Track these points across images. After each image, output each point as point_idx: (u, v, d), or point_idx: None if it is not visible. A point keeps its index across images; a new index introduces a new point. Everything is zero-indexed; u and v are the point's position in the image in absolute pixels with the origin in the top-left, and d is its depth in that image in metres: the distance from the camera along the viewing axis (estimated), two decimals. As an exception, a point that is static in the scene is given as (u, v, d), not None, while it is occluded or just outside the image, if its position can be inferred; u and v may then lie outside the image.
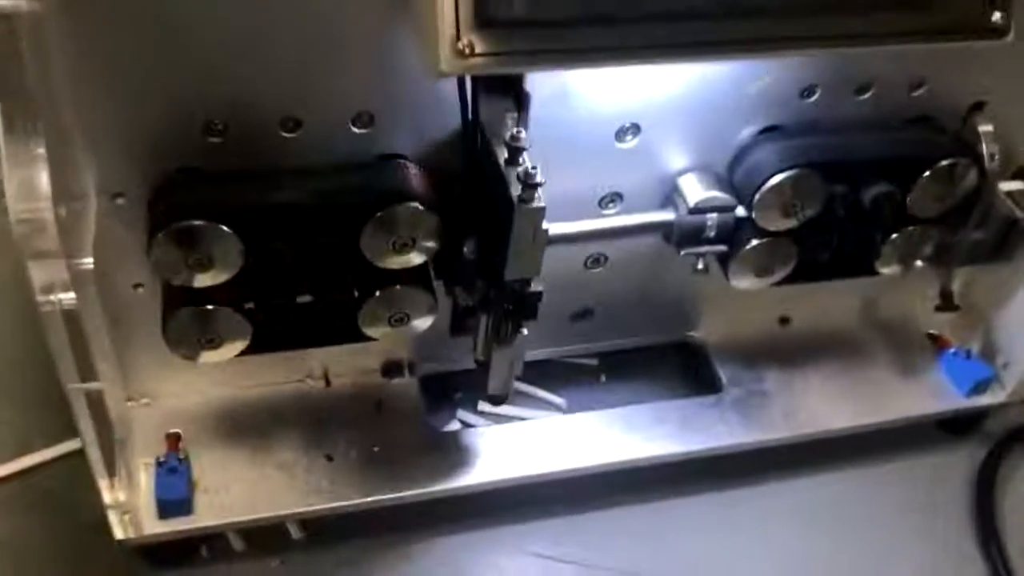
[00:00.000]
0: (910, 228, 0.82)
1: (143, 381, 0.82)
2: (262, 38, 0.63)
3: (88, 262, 0.64)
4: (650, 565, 0.87)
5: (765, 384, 0.94)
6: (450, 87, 0.63)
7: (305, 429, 0.84)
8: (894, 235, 0.82)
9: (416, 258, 0.70)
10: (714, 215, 0.79)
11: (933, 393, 0.96)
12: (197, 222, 0.64)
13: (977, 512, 0.93)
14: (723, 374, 0.94)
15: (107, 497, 0.74)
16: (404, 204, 0.67)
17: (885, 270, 0.85)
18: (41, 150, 0.58)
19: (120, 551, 0.77)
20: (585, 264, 0.85)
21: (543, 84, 0.68)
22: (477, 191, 0.67)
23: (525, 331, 0.72)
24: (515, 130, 0.61)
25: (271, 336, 0.73)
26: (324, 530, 0.84)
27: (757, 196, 0.77)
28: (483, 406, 0.91)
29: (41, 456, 0.88)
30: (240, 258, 0.66)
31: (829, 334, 0.99)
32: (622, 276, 0.87)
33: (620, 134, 0.75)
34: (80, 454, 0.71)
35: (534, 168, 0.60)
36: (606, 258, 0.85)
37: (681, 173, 0.79)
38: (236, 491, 0.80)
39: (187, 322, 0.69)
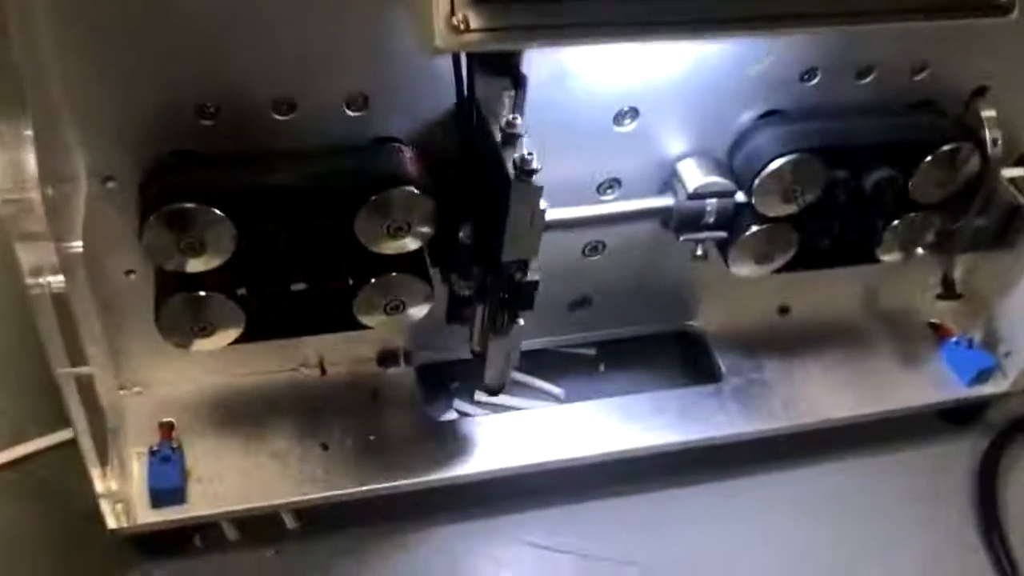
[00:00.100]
0: (912, 214, 0.82)
1: (136, 369, 0.82)
2: (255, 19, 0.62)
3: (78, 245, 0.63)
4: (648, 556, 0.86)
5: (765, 373, 0.93)
6: (446, 69, 0.63)
7: (300, 418, 0.83)
8: (895, 221, 0.82)
9: (411, 243, 0.69)
10: (713, 201, 0.78)
11: (934, 383, 0.95)
12: (189, 205, 0.63)
13: (979, 502, 0.93)
14: (723, 363, 0.94)
15: (99, 486, 0.73)
16: (399, 188, 0.66)
17: (886, 257, 0.84)
18: (29, 131, 0.57)
19: (113, 541, 0.77)
20: (583, 252, 0.85)
21: (540, 65, 0.67)
22: (473, 172, 0.66)
23: (521, 322, 0.72)
24: (511, 116, 0.60)
25: (265, 324, 0.72)
26: (319, 519, 0.84)
27: (757, 181, 0.76)
28: (480, 395, 0.91)
29: (35, 445, 0.87)
30: (233, 242, 0.65)
31: (829, 323, 0.98)
32: (620, 264, 0.86)
33: (618, 118, 0.74)
34: (74, 443, 0.70)
35: (530, 154, 0.59)
36: (604, 245, 0.84)
37: (680, 158, 0.79)
38: (230, 480, 0.79)
39: (180, 309, 0.68)
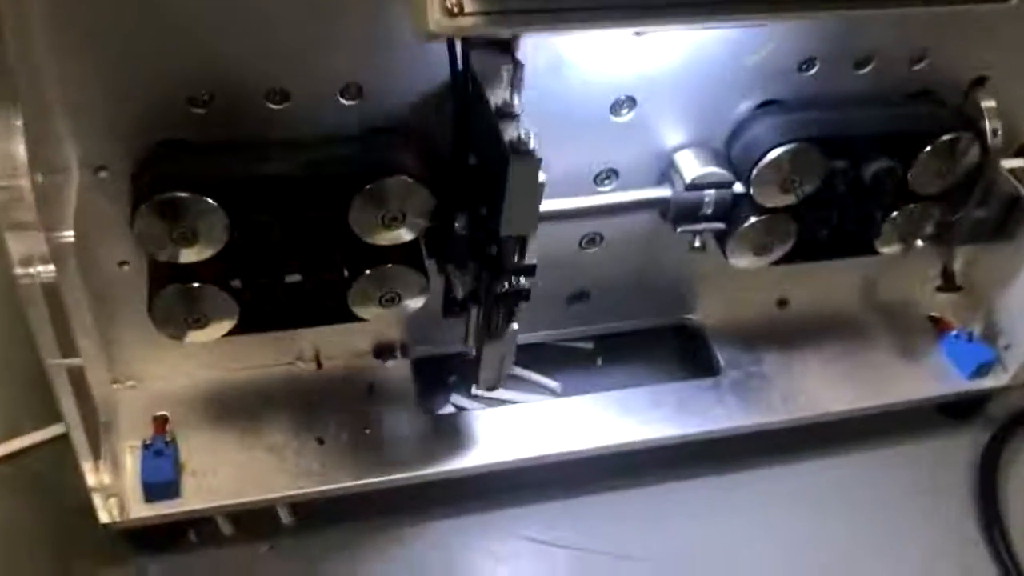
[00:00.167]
0: (911, 205, 0.81)
1: (129, 363, 0.81)
2: (247, 6, 0.61)
3: (69, 235, 0.63)
4: (646, 550, 0.85)
5: (764, 367, 0.93)
6: (441, 56, 0.62)
7: (295, 411, 0.83)
8: (895, 213, 0.81)
9: (406, 234, 0.68)
10: (711, 191, 0.77)
11: (934, 376, 0.94)
12: (181, 194, 0.63)
13: (980, 496, 0.92)
14: (721, 357, 0.93)
15: (91, 480, 0.72)
16: (394, 177, 0.66)
17: (885, 249, 0.84)
18: (18, 121, 0.57)
19: (106, 535, 0.76)
20: (580, 244, 0.84)
21: (537, 53, 0.66)
22: (468, 154, 0.65)
23: (516, 325, 0.71)
24: (508, 94, 0.59)
25: (259, 315, 0.71)
26: (314, 514, 0.83)
27: (755, 171, 0.75)
28: (477, 390, 0.90)
29: (30, 439, 0.87)
30: (225, 232, 0.65)
31: (829, 316, 0.97)
32: (618, 256, 0.86)
33: (615, 107, 0.74)
34: (67, 437, 0.69)
35: (527, 132, 0.58)
36: (601, 238, 0.84)
37: (678, 149, 0.78)
38: (224, 474, 0.78)
39: (173, 300, 0.68)
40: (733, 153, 0.78)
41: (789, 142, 0.74)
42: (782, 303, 0.97)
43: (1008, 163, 0.85)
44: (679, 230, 0.79)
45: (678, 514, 0.88)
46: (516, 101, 0.60)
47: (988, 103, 0.80)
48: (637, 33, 0.68)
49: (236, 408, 0.82)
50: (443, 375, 0.91)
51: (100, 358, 0.74)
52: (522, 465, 0.84)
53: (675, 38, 0.71)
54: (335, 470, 0.80)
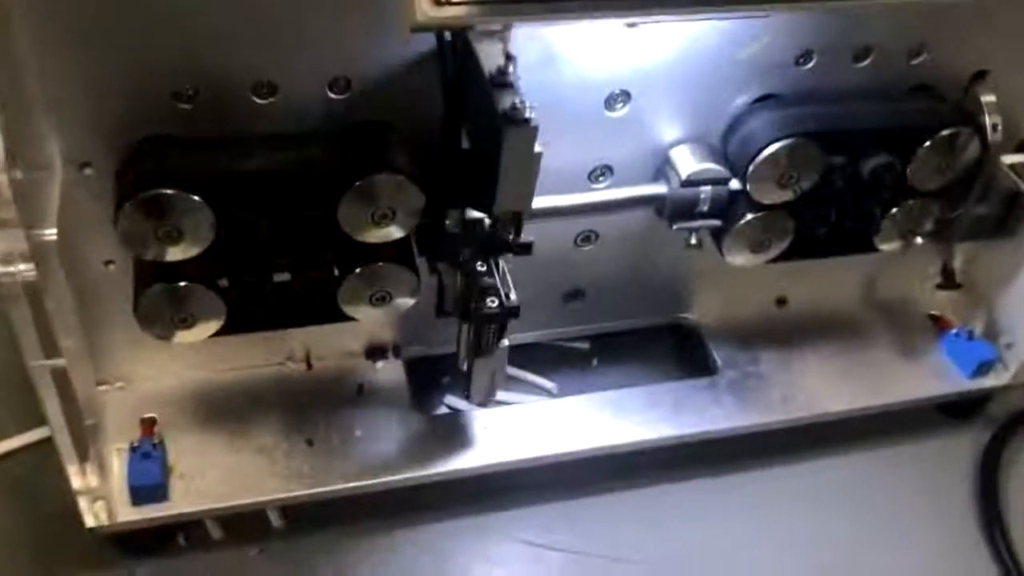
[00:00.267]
0: (910, 202, 0.80)
1: (117, 364, 0.80)
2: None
3: (51, 233, 0.62)
4: (643, 552, 0.84)
5: (761, 366, 0.92)
6: (430, 48, 0.61)
7: (285, 413, 0.82)
8: (894, 209, 0.80)
9: (397, 231, 0.67)
10: (707, 188, 0.77)
11: (935, 375, 0.94)
12: (165, 191, 0.61)
13: (981, 496, 0.91)
14: (718, 356, 0.92)
15: (77, 483, 0.71)
16: (384, 173, 0.64)
17: (885, 246, 0.83)
18: (-3, 117, 0.55)
19: (92, 540, 0.75)
20: (575, 242, 0.83)
21: (528, 46, 0.65)
22: (460, 139, 0.64)
23: (506, 342, 0.71)
24: (500, 63, 0.58)
25: (247, 315, 0.70)
26: (305, 517, 0.82)
27: (751, 167, 0.74)
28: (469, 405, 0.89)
29: (17, 442, 0.85)
30: (212, 230, 0.63)
31: (827, 315, 0.96)
32: (613, 254, 0.85)
33: (610, 102, 0.73)
34: (52, 440, 0.68)
35: (522, 102, 0.57)
36: (597, 235, 0.83)
37: (673, 144, 0.77)
38: (213, 477, 0.77)
39: (159, 299, 0.67)
40: (729, 149, 0.77)
41: (786, 137, 0.73)
42: (780, 301, 0.96)
43: (1008, 159, 0.84)
44: (675, 227, 0.78)
45: (675, 516, 0.87)
46: (511, 69, 0.59)
47: (988, 98, 0.79)
48: (631, 25, 0.67)
49: (225, 409, 0.81)
50: (436, 375, 0.90)
51: (85, 359, 0.73)
52: (517, 467, 0.83)
53: (670, 30, 0.70)
54: (325, 473, 0.78)
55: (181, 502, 0.76)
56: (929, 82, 0.79)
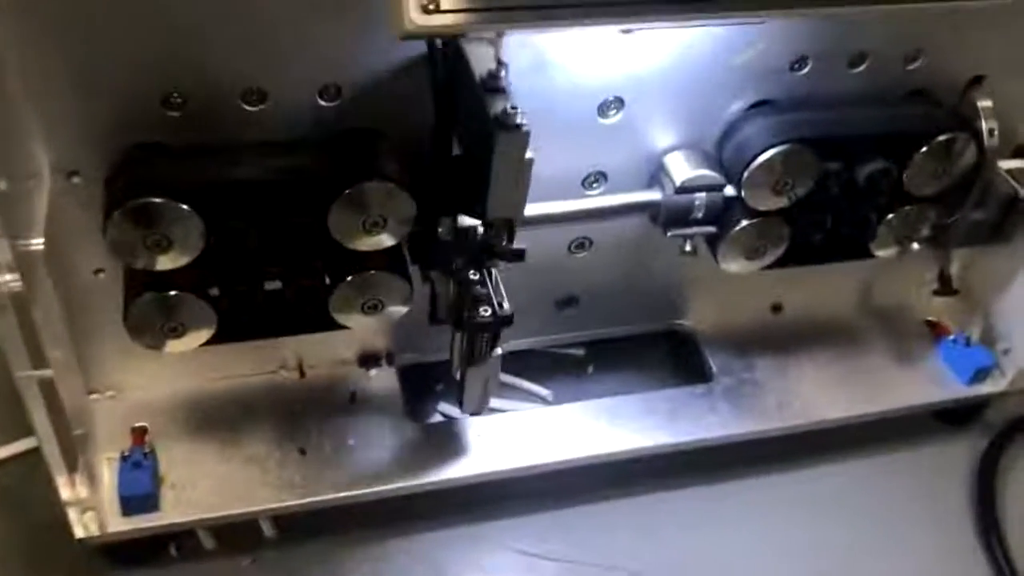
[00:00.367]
0: (907, 207, 0.80)
1: (108, 372, 0.79)
2: (221, 3, 0.59)
3: (38, 243, 0.61)
4: (638, 562, 0.84)
5: (757, 373, 0.91)
6: (420, 55, 0.60)
7: (277, 422, 0.81)
8: (890, 215, 0.80)
9: (388, 239, 0.67)
10: (702, 195, 0.76)
11: (932, 381, 0.93)
12: (154, 200, 0.61)
13: (978, 503, 0.91)
14: (713, 363, 0.92)
15: (66, 493, 0.70)
16: (374, 181, 0.64)
17: (881, 252, 0.83)
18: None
19: (82, 551, 0.74)
20: (569, 248, 0.83)
21: (520, 53, 0.65)
22: (451, 146, 0.64)
23: (499, 351, 0.70)
24: (492, 67, 0.58)
25: (238, 324, 0.69)
26: (297, 527, 0.81)
27: (746, 174, 0.74)
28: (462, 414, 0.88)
29: (5, 452, 0.85)
30: (201, 239, 0.63)
31: (823, 322, 0.96)
32: (608, 261, 0.85)
33: (603, 108, 0.73)
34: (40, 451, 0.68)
35: (514, 107, 0.57)
36: (591, 242, 0.83)
37: (667, 151, 0.77)
38: (205, 486, 0.77)
39: (149, 309, 0.66)
40: (724, 155, 0.77)
41: (781, 143, 0.73)
42: (776, 308, 0.96)
43: (1005, 164, 0.83)
44: (669, 234, 0.78)
45: (670, 524, 0.87)
46: (503, 74, 0.58)
47: (984, 103, 0.79)
48: (624, 31, 0.67)
49: (217, 418, 0.81)
50: (430, 383, 0.89)
51: (74, 369, 0.72)
52: (512, 475, 0.82)
53: (663, 36, 0.70)
54: (318, 482, 0.78)
55: (172, 512, 0.75)
56: (925, 87, 0.79)
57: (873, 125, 0.76)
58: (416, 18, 0.51)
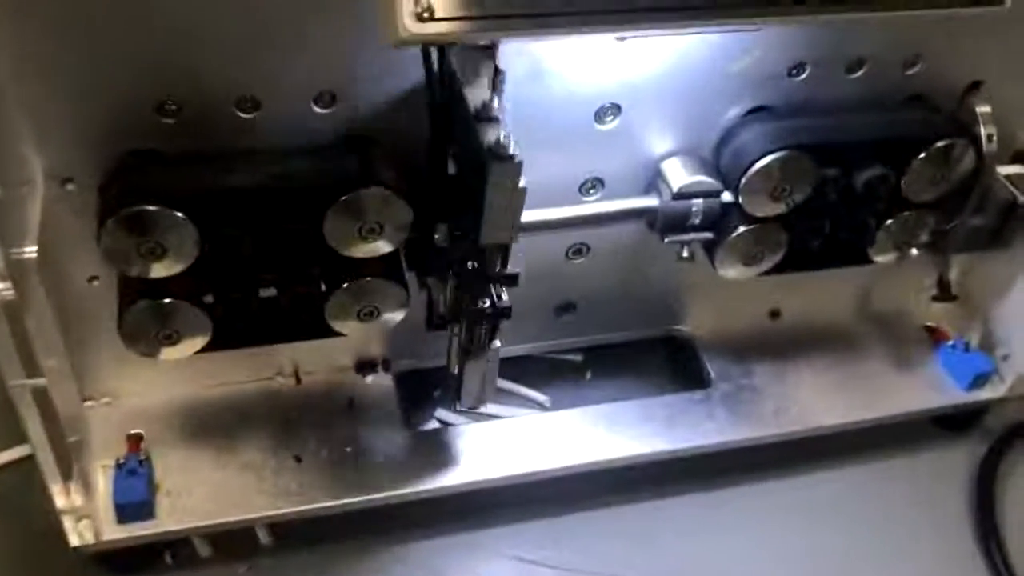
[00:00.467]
0: (905, 213, 0.80)
1: (103, 379, 0.79)
2: (216, 12, 0.59)
3: (31, 251, 0.61)
4: (636, 568, 0.84)
5: (755, 379, 0.91)
6: (417, 63, 0.60)
7: (274, 429, 0.81)
8: (889, 221, 0.80)
9: (384, 246, 0.66)
10: (699, 201, 0.76)
11: (931, 387, 0.93)
12: (148, 208, 0.60)
13: (977, 509, 0.90)
14: (711, 369, 0.91)
15: (60, 501, 0.70)
16: (370, 187, 0.63)
17: (880, 258, 0.82)
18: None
19: (77, 559, 0.74)
20: (566, 255, 0.82)
21: (517, 60, 0.64)
22: (445, 164, 0.64)
23: (498, 343, 0.69)
24: (488, 97, 0.57)
25: (233, 331, 0.69)
26: (294, 534, 0.81)
27: (744, 180, 0.74)
28: (460, 408, 0.88)
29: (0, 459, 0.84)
30: (196, 247, 0.63)
31: (822, 327, 0.96)
32: (605, 267, 0.84)
33: (600, 115, 0.72)
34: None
35: (507, 137, 0.56)
36: (588, 248, 0.82)
37: (664, 157, 0.76)
38: (200, 494, 0.76)
39: (143, 316, 0.66)
40: (721, 161, 0.76)
41: (779, 149, 0.73)
42: (774, 314, 0.95)
43: (1004, 169, 0.83)
44: (667, 240, 0.77)
45: (668, 531, 0.86)
46: (496, 103, 0.58)
47: (983, 108, 0.78)
48: (620, 39, 0.66)
49: (213, 425, 0.80)
50: (427, 390, 0.89)
51: (68, 376, 0.71)
52: (509, 482, 0.82)
53: (659, 43, 0.69)
54: (314, 490, 0.77)
55: (168, 520, 0.75)
56: (923, 93, 0.79)
57: (871, 131, 0.76)
58: (410, 26, 0.50)
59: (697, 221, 0.76)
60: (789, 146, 0.73)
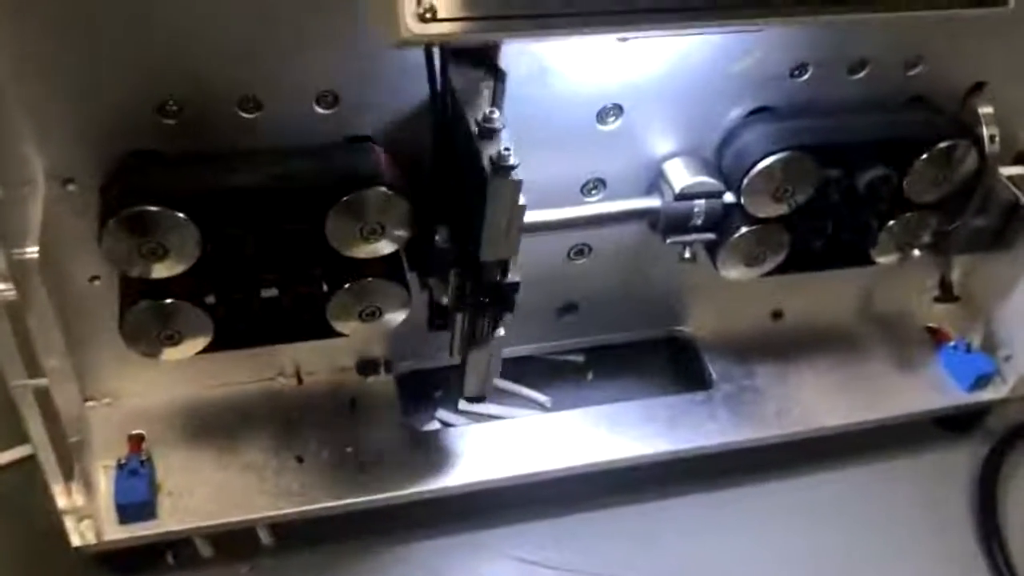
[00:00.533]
0: (907, 214, 0.80)
1: (105, 380, 0.79)
2: (217, 12, 0.59)
3: (33, 251, 0.61)
4: (638, 569, 0.84)
5: (757, 380, 0.91)
6: (418, 63, 0.60)
7: (275, 429, 0.81)
8: (891, 222, 0.80)
9: (386, 247, 0.66)
10: (701, 201, 0.76)
11: (933, 388, 0.93)
12: (150, 208, 0.60)
13: (979, 510, 0.90)
14: (713, 370, 0.91)
15: (62, 502, 0.70)
16: (372, 188, 0.63)
17: (882, 259, 0.82)
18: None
19: (78, 559, 0.74)
20: (568, 255, 0.82)
21: (519, 60, 0.64)
22: (448, 170, 0.63)
23: (502, 331, 0.69)
24: (488, 109, 0.57)
25: (235, 332, 0.69)
26: (295, 535, 0.81)
27: (746, 181, 0.74)
28: (463, 405, 0.88)
29: (2, 459, 0.84)
30: (197, 247, 0.63)
31: (824, 328, 0.95)
32: (607, 268, 0.84)
33: (602, 115, 0.72)
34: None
35: (507, 149, 0.56)
36: (590, 249, 0.82)
37: (667, 158, 0.76)
38: (202, 494, 0.76)
39: (144, 317, 0.66)
40: (724, 162, 0.76)
41: (781, 150, 0.73)
42: (776, 315, 0.95)
43: (1006, 170, 0.83)
44: (669, 241, 0.77)
45: (670, 532, 0.86)
46: (496, 116, 0.58)
47: (985, 109, 0.78)
48: (621, 39, 0.66)
49: (214, 426, 0.80)
50: (429, 390, 0.89)
51: (70, 376, 0.72)
52: (511, 483, 0.82)
53: (661, 44, 0.69)
54: (315, 490, 0.77)
55: (169, 520, 0.75)
56: (926, 94, 0.79)
57: (873, 132, 0.76)
58: (413, 26, 0.50)
59: (699, 222, 0.76)
60: (791, 147, 0.73)
